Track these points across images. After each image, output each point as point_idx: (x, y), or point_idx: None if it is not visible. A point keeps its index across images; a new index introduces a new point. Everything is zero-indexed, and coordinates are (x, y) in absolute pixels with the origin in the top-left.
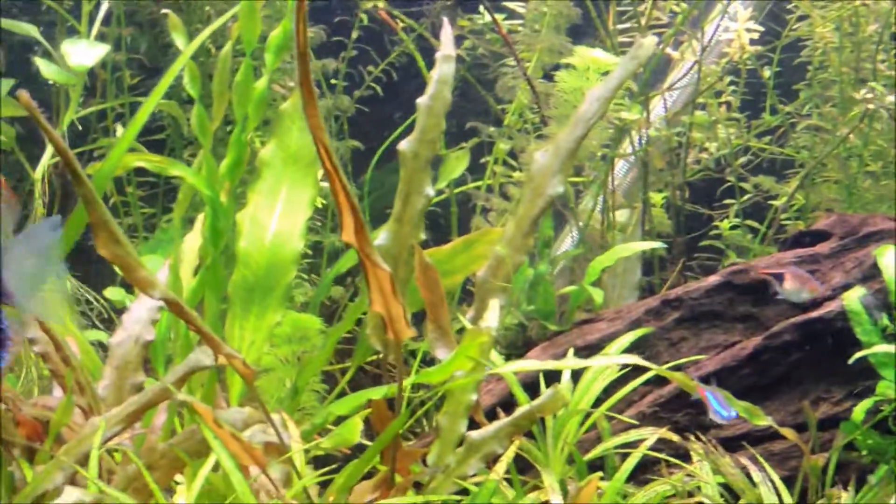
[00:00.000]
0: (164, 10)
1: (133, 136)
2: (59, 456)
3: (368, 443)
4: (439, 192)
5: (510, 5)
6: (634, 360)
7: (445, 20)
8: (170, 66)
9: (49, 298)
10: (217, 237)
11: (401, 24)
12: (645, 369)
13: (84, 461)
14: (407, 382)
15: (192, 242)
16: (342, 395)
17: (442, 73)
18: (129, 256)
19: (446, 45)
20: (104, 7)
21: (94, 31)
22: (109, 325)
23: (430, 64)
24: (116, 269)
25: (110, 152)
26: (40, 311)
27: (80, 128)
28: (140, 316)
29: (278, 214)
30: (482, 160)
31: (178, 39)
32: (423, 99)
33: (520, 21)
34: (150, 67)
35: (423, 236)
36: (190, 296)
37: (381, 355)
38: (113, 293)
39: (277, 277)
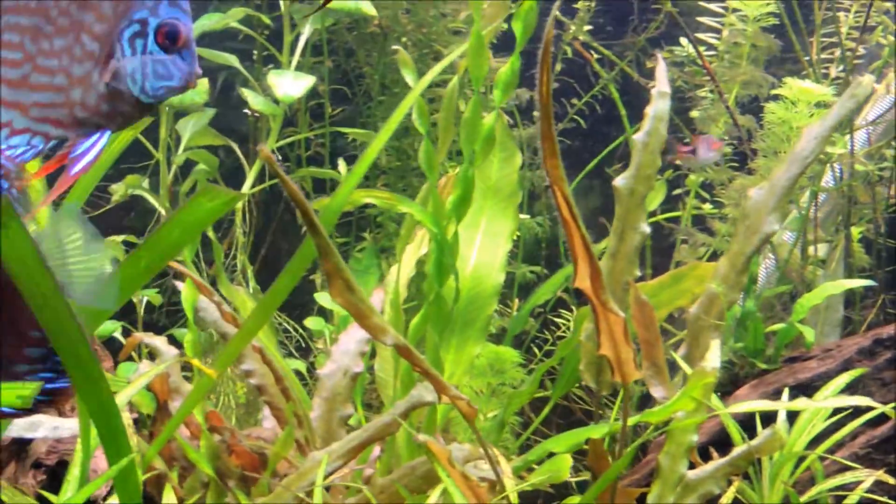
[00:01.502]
0: (394, 47)
1: (363, 171)
2: (282, 488)
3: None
4: None
5: (704, 37)
6: (866, 401)
7: (660, 57)
8: (360, 96)
9: (97, 284)
10: (442, 274)
11: (594, 56)
12: (859, 410)
13: (305, 494)
14: (631, 421)
15: (398, 275)
16: (537, 430)
17: (658, 109)
18: (362, 304)
19: (661, 82)
20: (304, 37)
21: (295, 60)
22: (306, 354)
23: (630, 97)
24: (319, 300)
25: (339, 188)
26: (90, 299)
27: (279, 158)
28: (349, 348)
29: (478, 246)
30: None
31: (408, 76)
32: (638, 135)
33: (713, 52)
34: (345, 97)
35: (637, 273)
36: (413, 332)
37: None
38: (313, 323)
39: (478, 310)
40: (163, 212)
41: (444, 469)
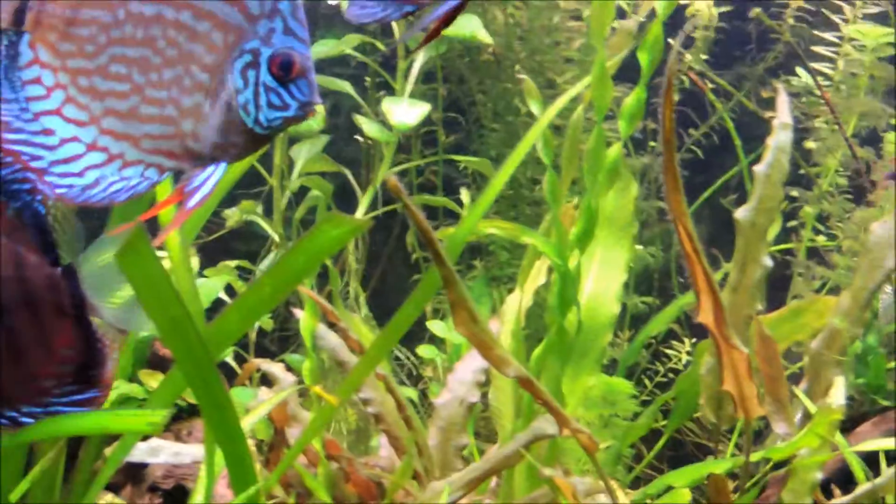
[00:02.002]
0: (520, 76)
1: (490, 202)
2: None
3: None
4: None
5: (819, 66)
6: None
7: (781, 87)
8: (471, 123)
9: (128, 308)
10: (565, 306)
11: (709, 85)
12: None
13: None
14: (754, 457)
15: (513, 304)
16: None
17: (780, 140)
18: (485, 335)
19: (783, 113)
20: (417, 64)
21: (409, 87)
22: (415, 381)
23: (743, 126)
24: (431, 328)
25: (465, 218)
26: (122, 322)
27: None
28: (465, 378)
29: (593, 276)
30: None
31: (534, 106)
32: (760, 167)
33: (829, 83)
34: (456, 124)
35: (759, 306)
36: (534, 364)
37: None
38: (426, 351)
39: (593, 340)
40: (276, 238)
41: (568, 502)
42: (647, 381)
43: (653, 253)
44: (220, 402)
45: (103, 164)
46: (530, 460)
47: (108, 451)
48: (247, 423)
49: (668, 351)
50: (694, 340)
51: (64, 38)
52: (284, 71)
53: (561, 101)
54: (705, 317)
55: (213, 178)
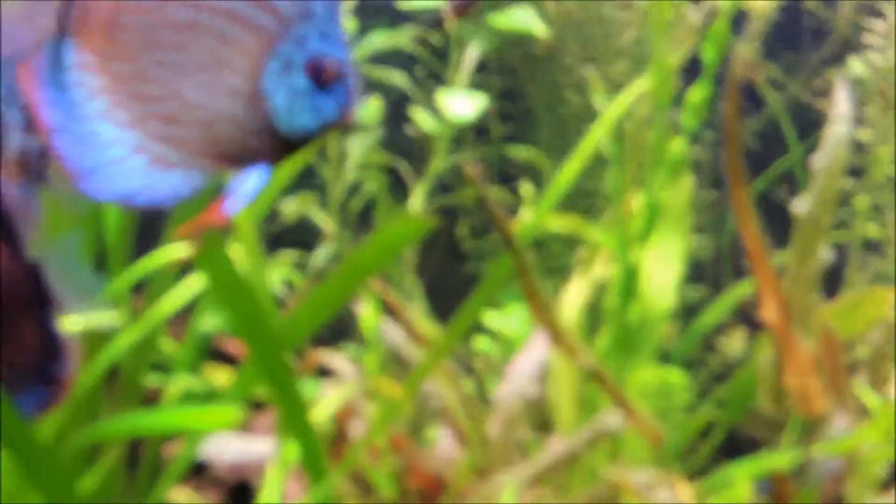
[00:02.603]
0: (586, 72)
1: (556, 197)
2: None
3: None
4: None
5: (872, 56)
6: None
7: (840, 80)
8: (525, 114)
9: (86, 293)
10: (628, 299)
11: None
12: None
13: None
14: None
15: (573, 296)
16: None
17: (838, 132)
18: (558, 325)
19: (841, 105)
20: (471, 56)
21: (462, 79)
22: (468, 374)
23: (804, 119)
24: (486, 321)
25: (534, 211)
26: (82, 307)
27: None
28: (524, 371)
29: (651, 268)
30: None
31: (599, 100)
32: (818, 159)
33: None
34: (507, 116)
35: (817, 298)
36: (601, 357)
37: None
38: (482, 343)
39: (649, 332)
40: (330, 230)
41: (632, 496)
42: (698, 372)
43: (705, 242)
44: (294, 400)
45: (146, 166)
46: (591, 458)
47: (176, 446)
48: (316, 416)
49: (720, 341)
50: (746, 331)
51: (106, 42)
52: (318, 75)
53: (626, 99)
54: (769, 313)
55: (254, 182)
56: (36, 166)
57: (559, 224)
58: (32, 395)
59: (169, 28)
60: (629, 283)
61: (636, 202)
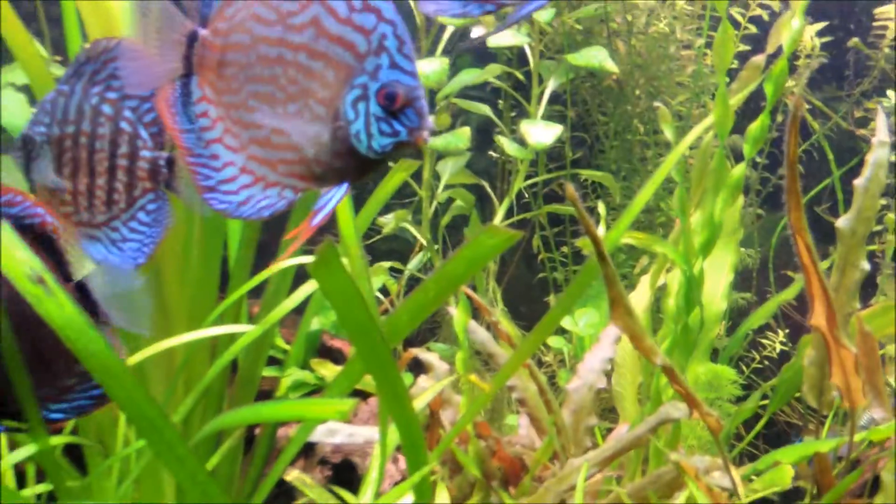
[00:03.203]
0: (656, 104)
1: (633, 217)
2: (544, 489)
3: None
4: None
5: None
6: None
7: (881, 108)
8: (595, 140)
9: (137, 313)
10: (690, 306)
11: (806, 107)
12: None
13: (565, 497)
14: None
15: (638, 301)
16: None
17: (878, 157)
18: (637, 327)
19: (881, 132)
20: (549, 90)
21: (542, 110)
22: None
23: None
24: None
25: (613, 228)
26: (130, 325)
27: (526, 196)
28: (594, 366)
29: (706, 276)
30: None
31: (668, 131)
32: (860, 181)
33: None
34: (580, 142)
35: (857, 305)
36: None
37: None
38: (555, 341)
39: (704, 333)
40: (423, 242)
41: (692, 481)
42: (744, 368)
43: (751, 254)
44: (398, 393)
45: (251, 184)
46: (656, 444)
47: (290, 431)
48: (416, 406)
49: (764, 341)
50: (787, 331)
51: (218, 77)
52: (390, 101)
53: (694, 133)
54: (818, 319)
55: (335, 199)
56: (163, 177)
57: (636, 239)
58: (94, 392)
59: (262, 63)
60: (691, 290)
61: (696, 220)
